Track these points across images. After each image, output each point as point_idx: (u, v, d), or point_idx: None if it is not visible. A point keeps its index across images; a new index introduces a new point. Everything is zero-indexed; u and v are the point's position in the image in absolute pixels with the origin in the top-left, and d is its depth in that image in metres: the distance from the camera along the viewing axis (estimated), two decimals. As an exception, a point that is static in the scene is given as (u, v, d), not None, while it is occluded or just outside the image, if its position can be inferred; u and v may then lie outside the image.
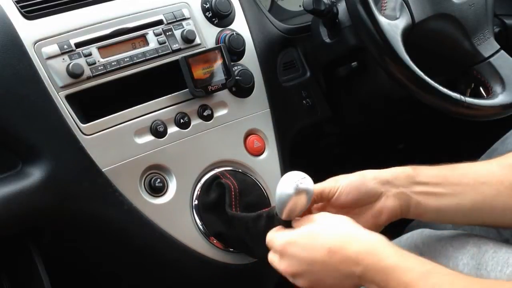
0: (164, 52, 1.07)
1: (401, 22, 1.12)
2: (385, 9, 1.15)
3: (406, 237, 1.02)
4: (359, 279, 0.80)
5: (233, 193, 1.03)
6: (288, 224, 0.87)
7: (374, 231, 0.85)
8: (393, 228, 0.94)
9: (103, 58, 1.02)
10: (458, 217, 0.92)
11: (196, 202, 1.06)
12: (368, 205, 0.90)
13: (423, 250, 0.98)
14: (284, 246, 0.85)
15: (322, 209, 0.92)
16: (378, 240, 0.81)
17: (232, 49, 1.12)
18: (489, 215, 0.91)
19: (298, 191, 0.82)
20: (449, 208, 0.90)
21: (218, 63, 1.08)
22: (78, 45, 1.01)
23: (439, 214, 0.91)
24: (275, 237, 0.87)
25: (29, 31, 0.99)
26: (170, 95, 1.07)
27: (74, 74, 0.99)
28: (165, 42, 1.07)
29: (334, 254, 0.81)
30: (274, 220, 0.90)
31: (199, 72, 1.06)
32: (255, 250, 1.00)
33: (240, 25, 1.17)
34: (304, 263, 0.84)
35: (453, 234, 0.96)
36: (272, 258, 0.88)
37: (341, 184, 0.90)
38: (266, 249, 0.90)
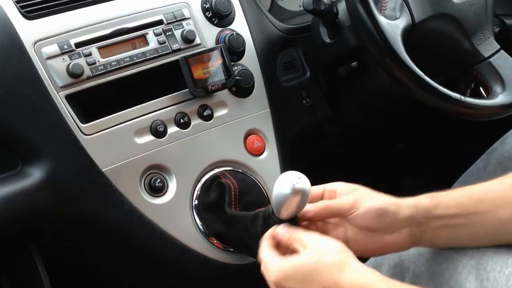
0: (164, 52, 1.07)
1: (401, 22, 1.12)
2: (385, 9, 1.15)
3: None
4: None
5: (233, 193, 1.03)
6: (283, 223, 0.87)
7: (373, 255, 0.84)
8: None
9: (103, 58, 1.02)
10: (472, 242, 0.91)
11: (196, 202, 1.06)
12: (381, 234, 0.89)
13: (421, 250, 0.98)
14: (280, 280, 0.84)
15: (338, 224, 0.91)
16: (372, 275, 0.81)
17: (232, 49, 1.12)
18: (504, 236, 0.90)
19: (295, 191, 0.82)
20: (464, 237, 0.90)
21: (218, 63, 1.08)
22: (78, 45, 1.01)
23: (453, 242, 0.91)
24: (270, 264, 0.85)
25: (29, 31, 0.99)
26: (170, 95, 1.07)
27: (74, 74, 0.99)
28: (165, 42, 1.07)
29: None
30: (270, 219, 0.89)
31: (199, 72, 1.06)
32: (255, 250, 1.00)
33: (240, 25, 1.17)
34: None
35: None
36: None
37: (362, 206, 0.88)
38: None
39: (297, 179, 0.83)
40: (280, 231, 0.86)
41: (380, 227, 0.88)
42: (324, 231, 0.89)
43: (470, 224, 0.89)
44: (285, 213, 0.85)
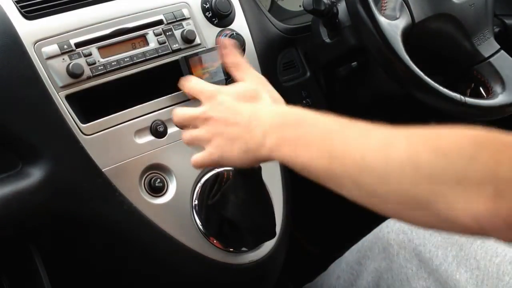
0: (164, 52, 1.07)
1: (401, 22, 1.12)
2: (385, 9, 1.15)
3: (393, 222, 1.02)
4: (273, 133, 0.79)
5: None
6: None
7: None
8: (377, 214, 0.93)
9: (103, 58, 1.02)
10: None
11: (196, 202, 1.06)
12: None
13: (411, 236, 0.98)
14: (215, 91, 0.91)
15: None
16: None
17: (232, 49, 1.12)
18: None
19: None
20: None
21: (218, 63, 1.08)
22: (78, 45, 1.01)
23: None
24: (204, 85, 0.95)
25: (29, 31, 0.99)
26: (170, 95, 1.07)
27: (74, 74, 0.99)
28: (165, 42, 1.07)
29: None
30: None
31: (199, 72, 1.06)
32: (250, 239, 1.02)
33: (240, 25, 1.17)
34: (230, 111, 0.86)
35: None
36: (192, 116, 0.91)
37: None
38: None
39: None
40: None
41: None
42: None
43: None
44: None
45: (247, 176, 0.96)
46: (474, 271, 0.91)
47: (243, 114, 0.84)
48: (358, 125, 0.73)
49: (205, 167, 0.99)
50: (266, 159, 0.82)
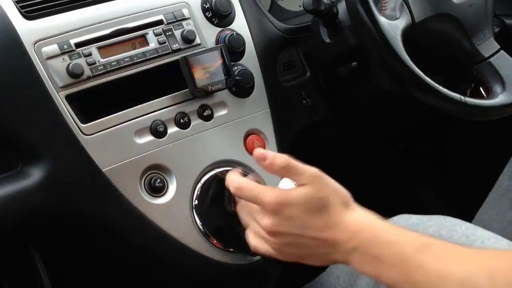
0: (164, 52, 1.07)
1: (401, 22, 1.12)
2: (385, 9, 1.15)
3: (392, 222, 1.02)
4: (351, 251, 0.79)
5: None
6: None
7: None
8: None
9: (103, 58, 1.02)
10: None
11: (196, 202, 1.06)
12: None
13: None
14: (282, 204, 0.82)
15: None
16: (374, 216, 0.81)
17: (232, 49, 1.12)
18: None
19: None
20: None
21: (218, 63, 1.08)
22: (78, 45, 1.01)
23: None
24: (268, 190, 0.83)
25: (29, 31, 0.99)
26: (170, 95, 1.07)
27: (74, 74, 0.99)
28: (165, 42, 1.07)
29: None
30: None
31: (199, 72, 1.06)
32: None
33: (240, 25, 1.17)
34: (300, 226, 0.81)
35: (441, 222, 0.96)
36: (256, 217, 0.85)
37: None
38: None
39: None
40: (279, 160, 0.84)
41: None
42: None
43: None
44: None
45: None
46: None
47: (319, 229, 0.81)
48: (433, 248, 0.75)
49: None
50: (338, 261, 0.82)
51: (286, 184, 0.87)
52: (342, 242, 0.80)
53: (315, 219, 0.81)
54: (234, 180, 0.90)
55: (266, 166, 0.86)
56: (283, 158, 0.85)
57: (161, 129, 1.05)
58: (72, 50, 1.00)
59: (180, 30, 1.09)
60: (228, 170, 1.09)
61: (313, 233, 0.81)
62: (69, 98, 0.99)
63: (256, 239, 0.88)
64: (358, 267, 0.80)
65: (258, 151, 0.87)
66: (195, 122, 1.08)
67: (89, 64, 1.00)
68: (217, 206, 1.03)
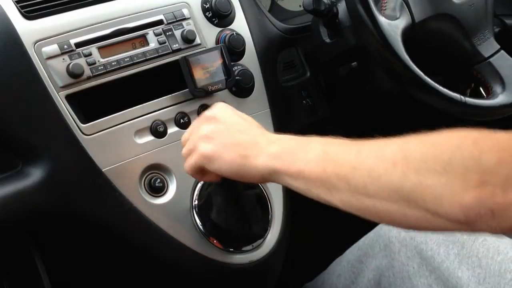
0: (164, 52, 1.07)
1: (401, 22, 1.12)
2: (385, 9, 1.15)
3: None
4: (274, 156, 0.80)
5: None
6: None
7: None
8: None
9: (103, 58, 1.02)
10: None
11: (196, 202, 1.06)
12: None
13: (412, 234, 0.98)
14: (212, 113, 0.89)
15: None
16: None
17: (232, 49, 1.12)
18: None
19: None
20: None
21: (218, 63, 1.08)
22: (78, 45, 1.01)
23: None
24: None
25: (29, 31, 0.99)
26: (170, 95, 1.07)
27: (74, 74, 0.99)
28: (165, 42, 1.07)
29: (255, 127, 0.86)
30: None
31: (199, 72, 1.06)
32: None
33: (240, 25, 1.17)
34: (230, 118, 0.87)
35: None
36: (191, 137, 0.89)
37: None
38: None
39: None
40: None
41: None
42: None
43: None
44: None
45: (226, 179, 0.94)
46: (476, 269, 0.91)
47: (248, 123, 0.87)
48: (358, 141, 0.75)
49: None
50: (258, 172, 0.81)
51: None
52: (265, 144, 0.82)
53: (242, 120, 0.88)
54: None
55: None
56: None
57: (161, 129, 1.05)
58: (72, 50, 1.00)
59: (180, 30, 1.09)
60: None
61: (243, 125, 0.86)
62: (69, 98, 0.99)
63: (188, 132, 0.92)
64: (278, 157, 0.80)
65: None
66: (195, 122, 1.08)
67: (89, 64, 1.00)
68: (217, 206, 1.03)
